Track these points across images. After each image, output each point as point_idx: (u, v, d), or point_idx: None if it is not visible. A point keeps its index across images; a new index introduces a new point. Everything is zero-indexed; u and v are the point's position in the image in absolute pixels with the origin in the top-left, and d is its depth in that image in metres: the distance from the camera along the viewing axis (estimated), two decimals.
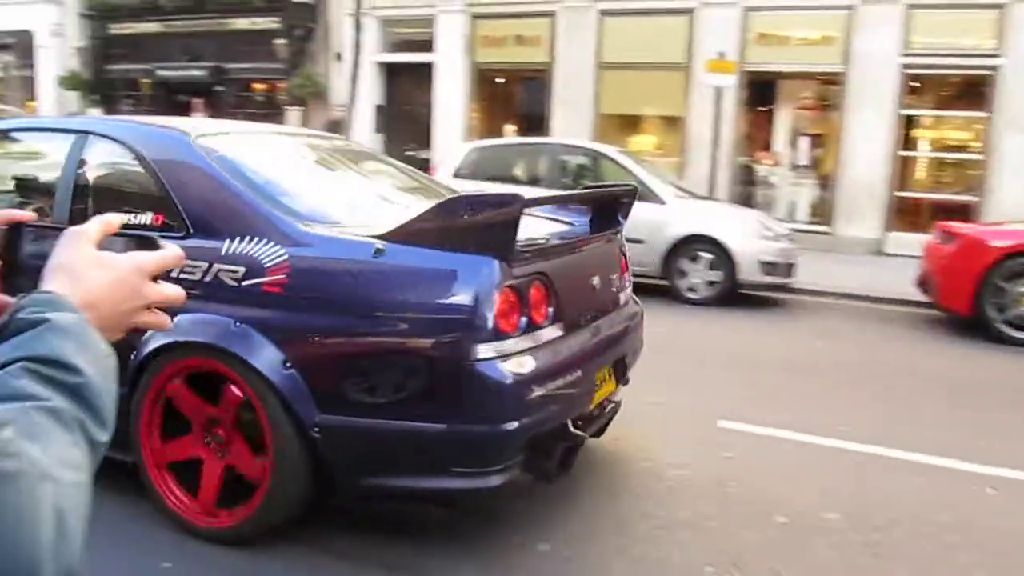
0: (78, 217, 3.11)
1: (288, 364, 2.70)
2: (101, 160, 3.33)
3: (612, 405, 3.52)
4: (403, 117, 15.28)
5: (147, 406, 3.01)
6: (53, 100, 18.56)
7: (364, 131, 15.26)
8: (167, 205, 3.01)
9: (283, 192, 3.04)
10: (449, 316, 2.55)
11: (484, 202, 2.62)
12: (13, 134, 3.83)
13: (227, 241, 2.84)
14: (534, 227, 3.16)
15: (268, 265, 2.76)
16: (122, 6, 17.66)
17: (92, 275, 0.72)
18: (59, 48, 18.58)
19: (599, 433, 3.58)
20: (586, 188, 3.94)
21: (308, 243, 2.75)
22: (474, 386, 2.52)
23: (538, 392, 2.63)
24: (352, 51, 15.38)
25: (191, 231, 2.91)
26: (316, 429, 2.69)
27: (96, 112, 17.74)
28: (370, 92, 15.42)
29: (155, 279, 0.78)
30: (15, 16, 18.66)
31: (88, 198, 3.23)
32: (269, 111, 15.93)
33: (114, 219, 0.79)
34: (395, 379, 2.61)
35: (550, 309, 2.85)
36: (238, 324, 2.76)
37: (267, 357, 2.72)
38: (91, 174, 3.31)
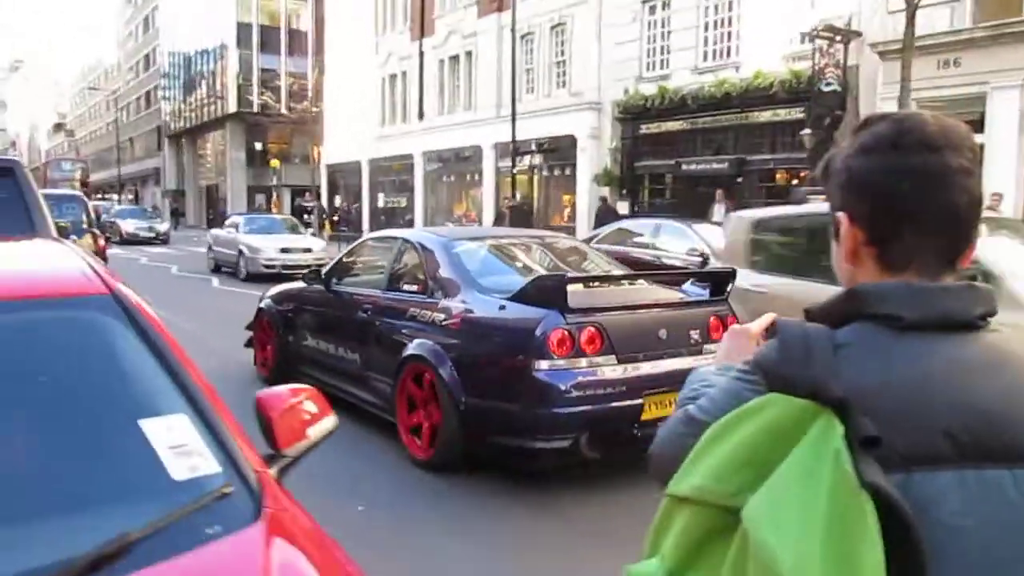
0: (394, 282, 6.16)
1: (452, 368, 5.16)
2: (407, 255, 6.26)
3: None
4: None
5: (400, 391, 5.63)
6: (587, 194, 22.93)
7: None
8: (425, 279, 5.79)
9: (478, 273, 5.63)
10: (526, 343, 4.80)
11: (551, 279, 5.05)
12: (376, 241, 7.12)
13: (442, 300, 5.51)
14: (619, 292, 5.58)
15: (454, 313, 5.34)
16: (652, 107, 20.72)
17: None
18: (595, 149, 22.96)
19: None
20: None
21: (474, 301, 5.31)
22: (534, 384, 4.74)
23: (576, 393, 4.71)
24: None
25: (432, 293, 5.64)
26: (462, 405, 5.07)
27: (623, 205, 21.55)
28: None
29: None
30: (561, 123, 23.43)
31: (399, 279, 6.18)
32: (787, 201, 17.33)
33: (767, 318, 1.36)
34: (499, 378, 4.92)
35: (603, 345, 4.85)
36: (437, 346, 5.34)
37: (445, 365, 5.21)
38: (401, 260, 6.27)
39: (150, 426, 1.74)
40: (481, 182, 27.51)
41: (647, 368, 4.95)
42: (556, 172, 24.83)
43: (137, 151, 71.69)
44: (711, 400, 1.11)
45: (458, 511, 4.62)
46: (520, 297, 5.02)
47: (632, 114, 21.39)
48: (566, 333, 4.77)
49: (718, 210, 17.09)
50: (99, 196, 58.99)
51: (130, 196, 68.56)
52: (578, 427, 4.75)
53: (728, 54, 19.59)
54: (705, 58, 20.12)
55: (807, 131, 17.16)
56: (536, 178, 25.42)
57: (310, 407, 2.16)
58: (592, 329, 4.84)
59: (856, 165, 1.08)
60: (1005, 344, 1.02)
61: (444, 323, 5.35)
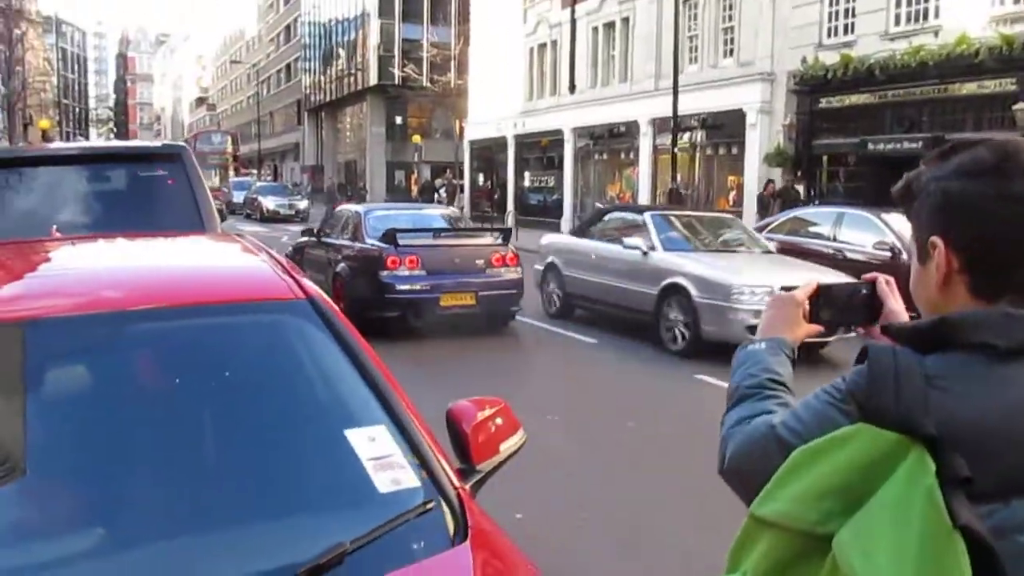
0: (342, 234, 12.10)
1: (350, 276, 11.36)
2: (351, 219, 12.45)
3: None
4: None
5: (333, 290, 11.07)
6: (756, 176, 22.35)
7: None
8: (352, 231, 11.83)
9: (375, 228, 11.35)
10: (377, 261, 10.93)
11: (391, 230, 10.99)
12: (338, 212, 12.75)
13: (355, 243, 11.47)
14: (436, 239, 11.37)
15: (356, 248, 11.52)
16: (833, 79, 19.85)
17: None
18: (766, 125, 22.32)
19: None
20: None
21: (366, 243, 11.19)
22: (380, 283, 10.72)
23: (400, 287, 10.61)
24: None
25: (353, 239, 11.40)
26: (352, 295, 10.98)
27: (799, 188, 20.90)
28: None
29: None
30: (728, 97, 22.91)
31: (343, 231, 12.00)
32: None
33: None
34: (367, 281, 11.00)
35: (419, 265, 10.60)
36: (345, 265, 11.52)
37: (347, 274, 11.50)
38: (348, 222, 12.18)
39: (354, 436, 1.88)
40: (636, 160, 27.28)
41: (445, 279, 10.69)
42: (721, 151, 24.32)
43: (277, 125, 75.39)
44: (799, 421, 1.16)
45: None
46: (382, 239, 10.86)
47: (810, 86, 20.70)
48: (396, 257, 10.60)
49: None
50: (244, 172, 62.72)
51: (268, 174, 72.25)
52: (403, 306, 10.56)
53: (925, 17, 18.58)
54: (897, 22, 19.17)
55: (1020, 105, 16.30)
56: (698, 157, 24.98)
57: (500, 421, 2.26)
58: (412, 256, 10.65)
59: (955, 189, 1.12)
60: None
61: (349, 254, 11.51)
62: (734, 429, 1.26)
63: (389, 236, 10.81)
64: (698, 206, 24.56)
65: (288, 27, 71.23)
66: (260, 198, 38.44)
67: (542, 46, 32.41)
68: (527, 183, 34.51)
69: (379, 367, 2.08)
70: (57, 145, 12.87)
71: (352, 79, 55.21)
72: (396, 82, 48.68)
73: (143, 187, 5.55)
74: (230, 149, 60.94)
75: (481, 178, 38.94)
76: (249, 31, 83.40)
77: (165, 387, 2.00)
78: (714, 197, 24.67)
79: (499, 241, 11.47)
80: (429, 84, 43.71)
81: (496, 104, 34.53)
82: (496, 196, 35.63)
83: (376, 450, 1.87)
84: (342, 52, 57.30)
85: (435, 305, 10.61)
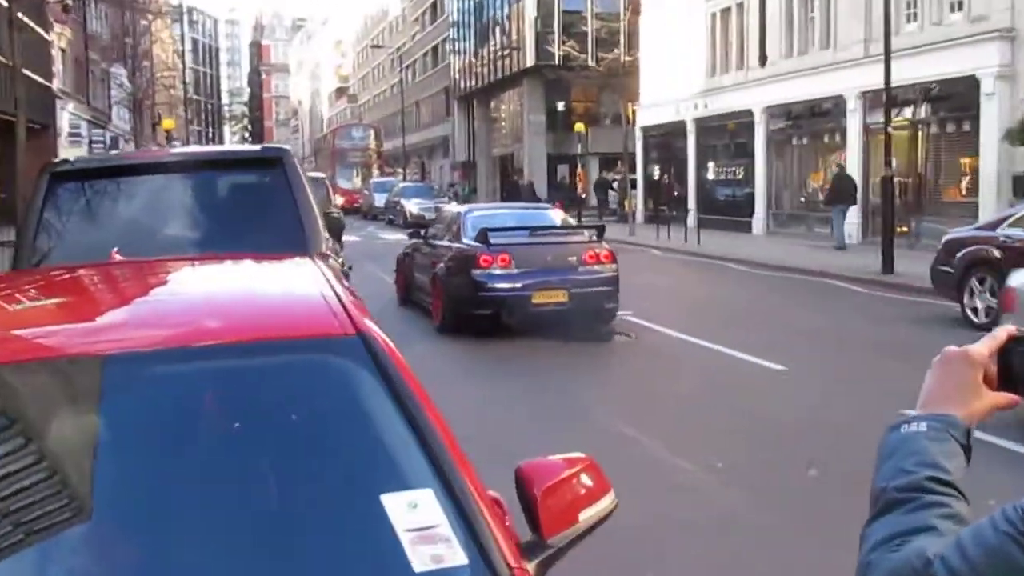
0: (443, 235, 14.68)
1: (447, 275, 13.45)
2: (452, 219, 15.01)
3: None
4: None
5: (433, 290, 13.89)
6: (995, 158, 21.09)
7: None
8: (451, 232, 14.34)
9: (473, 228, 13.54)
10: (470, 260, 12.93)
11: (484, 229, 13.00)
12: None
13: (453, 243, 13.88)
14: (527, 235, 13.48)
15: (454, 248, 13.72)
16: None
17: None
18: (1006, 94, 21.01)
19: None
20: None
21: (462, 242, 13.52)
22: (473, 280, 12.82)
23: (492, 286, 12.61)
24: None
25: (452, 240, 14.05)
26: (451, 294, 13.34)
27: None
28: None
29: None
30: (956, 60, 21.67)
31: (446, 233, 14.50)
32: None
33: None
34: (463, 279, 12.98)
35: (511, 262, 12.57)
36: (442, 266, 13.75)
37: (444, 274, 13.64)
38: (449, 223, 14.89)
39: (392, 502, 1.86)
40: (844, 143, 26.40)
41: (537, 276, 12.45)
42: (949, 128, 23.18)
43: (423, 117, 77.79)
44: (966, 559, 1.01)
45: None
46: (477, 239, 12.71)
47: None
48: (489, 256, 12.42)
49: None
50: (388, 171, 65.39)
51: (414, 173, 74.57)
52: (496, 304, 12.38)
53: None
54: None
55: None
56: (920, 136, 23.90)
57: (586, 481, 2.20)
58: (504, 254, 12.44)
59: None
60: None
61: (447, 254, 13.43)
62: (877, 555, 1.10)
63: (482, 235, 12.63)
64: (922, 197, 23.49)
65: (434, 4, 73.46)
66: (403, 201, 39.92)
67: (725, 11, 31.93)
68: (711, 175, 34.10)
69: (433, 417, 2.07)
70: (149, 152, 14.04)
71: (507, 60, 56.21)
72: (556, 62, 49.21)
73: (237, 197, 5.82)
74: (373, 144, 63.41)
75: (656, 171, 38.73)
76: (392, 10, 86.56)
77: (184, 436, 2.06)
78: (942, 185, 23.50)
79: (593, 238, 13.26)
80: (594, 63, 43.86)
81: (673, 83, 34.31)
82: (676, 192, 35.29)
83: (418, 519, 1.84)
84: (495, 29, 58.48)
85: (527, 302, 12.34)
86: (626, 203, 34.78)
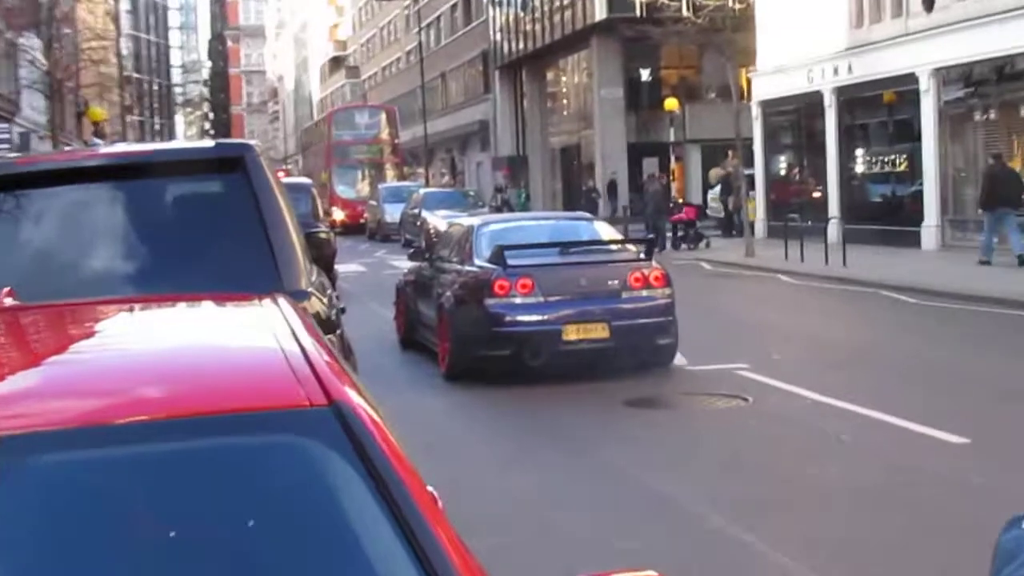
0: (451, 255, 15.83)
1: (454, 307, 14.27)
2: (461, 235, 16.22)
3: None
4: None
5: (439, 330, 14.60)
6: None
7: None
8: (461, 251, 15.33)
9: (487, 246, 14.46)
10: (483, 287, 13.86)
11: (498, 246, 14.05)
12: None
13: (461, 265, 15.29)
14: (555, 253, 14.46)
15: (462, 272, 14.78)
16: None
17: None
18: None
19: None
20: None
21: (473, 265, 14.64)
22: (485, 312, 13.71)
23: (509, 318, 13.41)
24: None
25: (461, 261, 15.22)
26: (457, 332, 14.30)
27: None
28: None
29: None
30: None
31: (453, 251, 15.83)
32: None
33: None
34: (472, 310, 14.14)
35: (533, 288, 13.29)
36: (450, 294, 14.57)
37: (451, 306, 14.62)
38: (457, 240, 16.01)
39: None
40: None
41: (569, 306, 13.22)
42: None
43: (452, 95, 78.24)
44: None
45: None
46: (491, 259, 13.57)
47: None
48: (505, 280, 13.10)
49: None
50: (409, 174, 66.19)
51: (442, 174, 74.81)
52: (516, 342, 13.07)
53: None
54: None
55: None
56: None
57: None
58: (525, 277, 13.12)
59: None
60: None
61: (454, 280, 14.33)
62: None
63: (497, 254, 13.40)
64: None
65: None
66: (426, 214, 39.15)
67: None
68: (859, 167, 34.00)
69: (429, 515, 2.09)
70: (64, 154, 14.04)
71: (567, 14, 56.51)
72: (637, 13, 49.33)
73: (183, 214, 5.91)
74: (384, 134, 63.22)
75: (782, 163, 38.66)
76: None
77: (97, 546, 2.10)
78: None
79: (640, 256, 14.07)
80: (690, 14, 43.91)
81: (803, 39, 34.33)
82: (812, 193, 35.20)
83: None
84: None
85: (556, 340, 13.06)
86: (749, 205, 34.58)
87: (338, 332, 6.34)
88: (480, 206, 43.45)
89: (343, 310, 8.53)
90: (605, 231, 16.12)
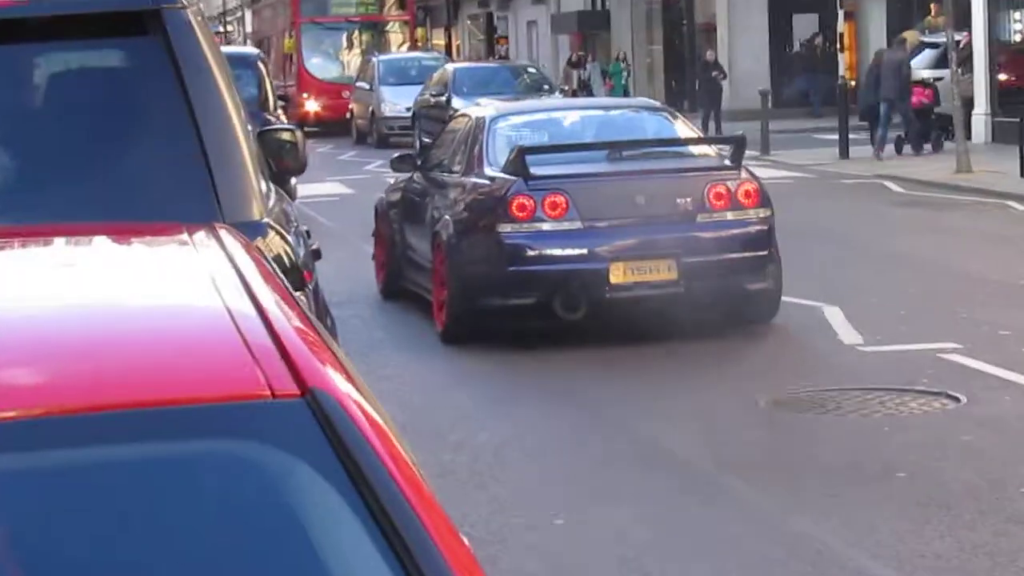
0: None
1: (454, 239, 15.81)
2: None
3: None
4: None
5: (435, 272, 15.66)
6: None
7: None
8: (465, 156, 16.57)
9: (502, 150, 16.21)
10: (494, 208, 15.29)
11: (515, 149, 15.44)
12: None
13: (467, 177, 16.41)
14: (598, 160, 15.75)
15: (466, 187, 15.86)
16: None
17: None
18: None
19: None
20: None
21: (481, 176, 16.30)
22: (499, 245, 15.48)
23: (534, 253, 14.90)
24: None
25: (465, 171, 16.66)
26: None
27: None
28: None
29: None
30: None
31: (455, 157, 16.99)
32: None
33: None
34: (477, 241, 16.27)
35: (567, 210, 14.44)
36: (449, 220, 16.28)
37: (450, 235, 16.35)
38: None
39: None
40: None
41: (618, 234, 14.07)
42: None
43: None
44: None
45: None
46: (508, 167, 14.50)
47: None
48: (527, 198, 13.90)
49: None
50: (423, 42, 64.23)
51: (478, 38, 73.61)
52: (543, 287, 13.84)
53: None
54: None
55: None
56: None
57: None
58: (555, 193, 13.90)
59: None
60: None
61: (456, 199, 15.20)
62: None
63: (516, 160, 13.84)
64: None
65: None
66: (459, 104, 37.06)
67: None
68: None
69: (432, 526, 2.11)
70: None
71: None
72: None
73: (74, 99, 5.83)
74: None
75: (1019, 22, 38.19)
76: None
77: None
78: None
79: (723, 162, 13.90)
80: None
81: None
82: None
83: None
84: None
85: (601, 283, 13.21)
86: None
87: (310, 286, 6.29)
88: (546, 90, 42.30)
89: (317, 254, 8.33)
90: (677, 126, 15.84)
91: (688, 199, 13.25)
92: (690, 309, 12.62)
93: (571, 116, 16.17)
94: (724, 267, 13.01)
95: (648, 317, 12.54)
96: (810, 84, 51.59)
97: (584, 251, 13.01)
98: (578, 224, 13.04)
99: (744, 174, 13.57)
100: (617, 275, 12.88)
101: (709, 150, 14.81)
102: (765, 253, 13.26)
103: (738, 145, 14.26)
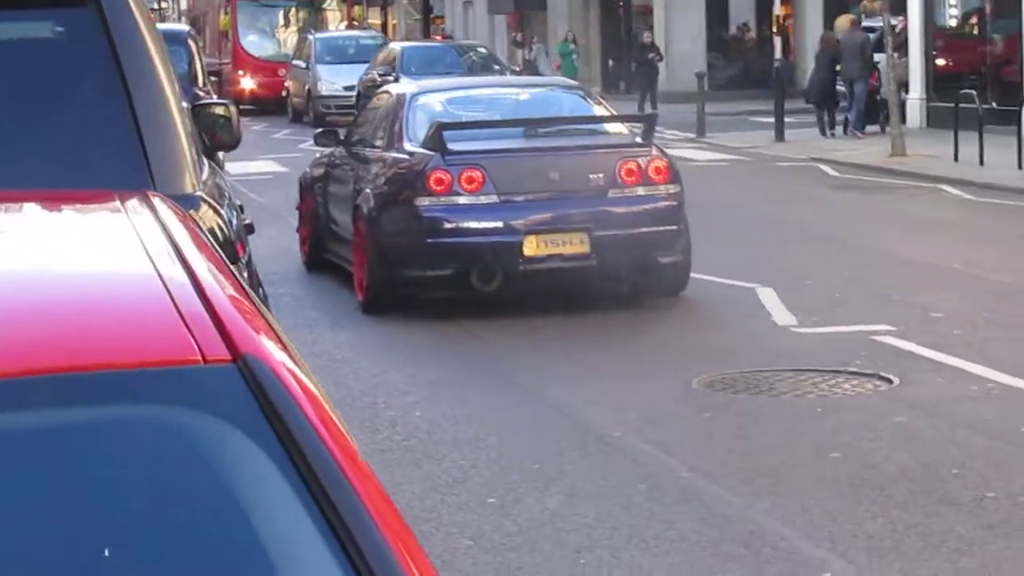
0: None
1: (374, 211, 16.60)
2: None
3: None
4: None
5: (355, 245, 16.40)
6: None
7: None
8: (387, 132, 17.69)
9: (421, 125, 16.96)
10: (413, 182, 16.12)
11: (434, 125, 16.26)
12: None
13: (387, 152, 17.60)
14: (513, 137, 16.79)
15: (387, 161, 16.76)
16: None
17: None
18: None
19: None
20: None
21: (401, 151, 17.26)
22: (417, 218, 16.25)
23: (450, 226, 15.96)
24: None
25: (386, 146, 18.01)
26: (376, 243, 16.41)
27: None
28: None
29: None
30: None
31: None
32: None
33: None
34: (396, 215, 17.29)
35: (483, 185, 15.23)
36: (369, 192, 17.25)
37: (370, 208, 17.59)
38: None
39: None
40: None
41: (533, 208, 14.91)
42: None
43: None
44: None
45: None
46: (427, 143, 15.36)
47: None
48: (444, 172, 14.71)
49: None
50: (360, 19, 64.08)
51: (414, 17, 73.62)
52: (459, 259, 14.69)
53: None
54: None
55: None
56: None
57: None
58: (472, 168, 14.73)
59: None
60: None
61: (377, 173, 16.16)
62: None
63: (434, 136, 14.05)
64: None
65: None
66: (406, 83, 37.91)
67: None
68: None
69: (377, 514, 2.10)
70: None
71: None
72: None
73: (8, 73, 5.81)
74: None
75: (954, 8, 38.31)
76: None
77: None
78: None
79: (635, 139, 14.51)
80: None
81: None
82: (1004, 59, 34.98)
83: None
84: None
85: (516, 255, 13.70)
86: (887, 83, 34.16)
87: (243, 259, 6.35)
88: (496, 70, 42.42)
89: (251, 228, 8.36)
90: (591, 104, 16.53)
91: (600, 175, 13.89)
92: (602, 281, 13.29)
93: (490, 94, 17.22)
94: (635, 240, 13.58)
95: (562, 288, 13.18)
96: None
97: (499, 224, 13.64)
98: (494, 198, 13.70)
99: (655, 151, 14.28)
100: (531, 248, 13.47)
101: (622, 128, 15.34)
102: (675, 228, 13.86)
103: (649, 123, 15.24)
